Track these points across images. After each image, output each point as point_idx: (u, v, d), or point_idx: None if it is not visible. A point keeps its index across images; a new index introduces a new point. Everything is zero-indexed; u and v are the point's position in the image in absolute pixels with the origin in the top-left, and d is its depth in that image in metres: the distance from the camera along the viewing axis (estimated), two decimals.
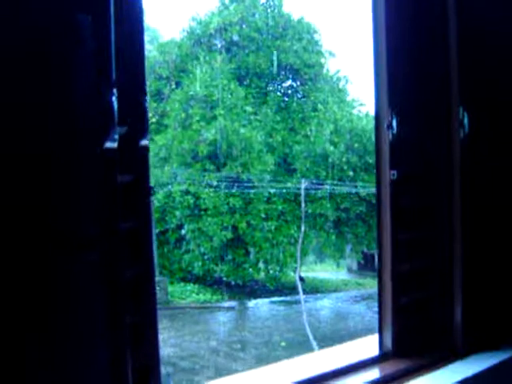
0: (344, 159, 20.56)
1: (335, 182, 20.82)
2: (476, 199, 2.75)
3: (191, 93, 20.48)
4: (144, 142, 1.94)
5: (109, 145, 1.64)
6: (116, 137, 1.61)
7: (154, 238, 19.52)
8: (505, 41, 2.78)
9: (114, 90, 1.62)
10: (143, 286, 1.81)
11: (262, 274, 22.12)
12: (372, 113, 19.30)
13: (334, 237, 22.03)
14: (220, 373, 13.56)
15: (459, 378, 2.40)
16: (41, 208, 1.41)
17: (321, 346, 16.19)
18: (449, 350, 2.60)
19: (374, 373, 2.38)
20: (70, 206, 1.50)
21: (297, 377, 2.12)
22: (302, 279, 21.52)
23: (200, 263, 20.69)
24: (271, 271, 21.77)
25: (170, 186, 19.76)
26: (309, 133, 21.49)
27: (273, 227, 20.64)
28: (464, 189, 2.67)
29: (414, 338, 2.59)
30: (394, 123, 2.57)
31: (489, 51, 2.74)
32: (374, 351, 2.47)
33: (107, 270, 1.57)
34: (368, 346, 2.59)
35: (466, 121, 2.69)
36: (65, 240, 1.46)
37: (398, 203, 2.60)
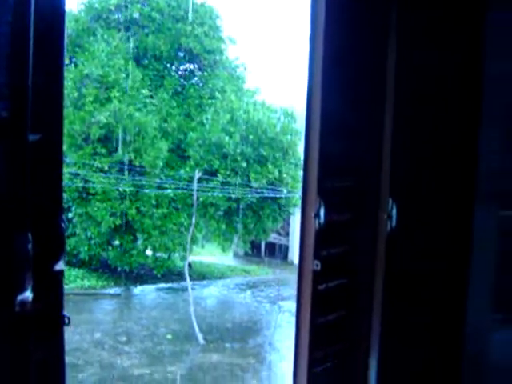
0: (238, 150, 20.50)
1: (228, 173, 20.74)
2: (395, 285, 2.72)
3: (86, 71, 19.61)
4: (59, 267, 1.72)
5: (22, 297, 1.41)
6: (30, 290, 1.39)
7: None
8: (436, 132, 2.73)
9: (29, 236, 1.39)
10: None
11: (150, 261, 21.80)
12: (268, 101, 18.80)
13: (223, 226, 22.01)
14: (104, 369, 13.26)
15: None
16: None
17: (206, 340, 16.19)
18: None
19: None
20: None
21: None
22: (189, 265, 21.45)
23: (86, 248, 20.04)
24: (159, 258, 21.50)
25: None
26: (205, 120, 21.23)
27: (163, 214, 20.33)
28: (386, 284, 2.62)
29: None
30: (322, 212, 2.46)
31: (421, 141, 2.69)
32: None
33: None
34: None
35: (394, 212, 2.63)
36: None
37: (318, 290, 2.51)
